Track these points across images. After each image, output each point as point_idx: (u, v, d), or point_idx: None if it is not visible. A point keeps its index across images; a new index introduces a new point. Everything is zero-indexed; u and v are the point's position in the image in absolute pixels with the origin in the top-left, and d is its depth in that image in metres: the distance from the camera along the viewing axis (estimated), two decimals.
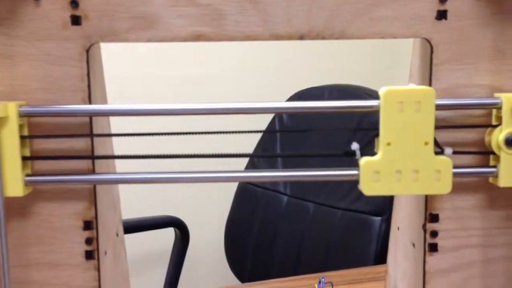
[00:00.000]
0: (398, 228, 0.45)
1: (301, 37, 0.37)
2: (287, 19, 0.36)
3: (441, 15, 0.36)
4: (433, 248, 0.39)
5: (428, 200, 0.38)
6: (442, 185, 0.35)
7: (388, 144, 0.34)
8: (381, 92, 0.34)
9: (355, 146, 0.35)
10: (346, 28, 0.36)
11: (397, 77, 1.42)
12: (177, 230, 1.13)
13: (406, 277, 0.44)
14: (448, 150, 0.35)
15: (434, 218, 0.38)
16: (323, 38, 0.37)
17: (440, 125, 0.37)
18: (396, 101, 0.34)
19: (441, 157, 0.35)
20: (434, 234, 0.38)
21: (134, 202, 1.09)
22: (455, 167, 0.37)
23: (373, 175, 0.35)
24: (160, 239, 1.20)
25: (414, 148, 0.34)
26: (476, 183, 0.38)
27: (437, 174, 0.35)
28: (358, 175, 0.35)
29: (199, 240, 1.28)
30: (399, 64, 1.44)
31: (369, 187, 0.35)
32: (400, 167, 0.34)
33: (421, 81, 0.39)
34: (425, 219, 0.39)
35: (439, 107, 0.36)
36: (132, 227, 1.06)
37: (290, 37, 0.37)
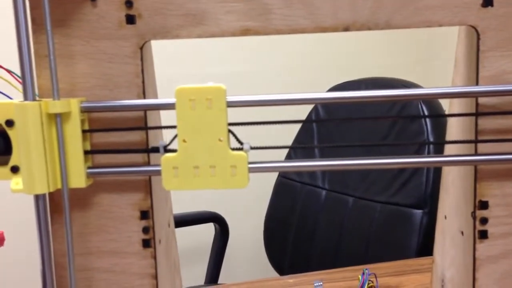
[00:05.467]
0: (445, 217, 0.46)
1: (346, 29, 0.37)
2: (332, 12, 0.37)
3: (487, 2, 0.36)
4: (483, 235, 0.39)
5: (477, 187, 0.39)
6: (238, 180, 0.35)
7: (184, 141, 0.35)
8: (176, 89, 0.35)
9: (161, 143, 0.36)
10: (391, 18, 0.37)
11: (434, 69, 1.41)
12: (217, 225, 1.16)
13: (454, 265, 0.44)
14: (246, 146, 0.35)
15: (483, 205, 0.38)
16: (369, 28, 0.37)
17: (487, 112, 0.37)
18: (188, 98, 0.34)
19: (236, 153, 0.35)
20: (483, 221, 0.39)
21: (175, 198, 1.12)
22: (503, 153, 0.37)
23: (172, 170, 0.35)
24: (201, 233, 1.22)
25: (209, 145, 0.35)
26: None
27: (233, 169, 0.35)
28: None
29: (239, 234, 1.29)
30: (436, 55, 1.41)
31: (169, 182, 0.35)
32: (197, 163, 0.35)
33: (467, 68, 0.39)
34: (474, 206, 0.39)
35: (485, 94, 0.36)
36: (174, 222, 1.09)
37: (335, 29, 0.38)
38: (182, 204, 1.16)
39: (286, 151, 1.13)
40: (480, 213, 0.39)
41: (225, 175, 0.35)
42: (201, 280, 1.16)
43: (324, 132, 1.11)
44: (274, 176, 1.16)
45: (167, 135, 0.37)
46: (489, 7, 0.36)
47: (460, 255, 0.43)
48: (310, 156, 1.09)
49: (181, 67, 1.29)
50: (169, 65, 1.26)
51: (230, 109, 0.35)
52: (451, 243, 0.45)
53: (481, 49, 0.37)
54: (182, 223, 1.14)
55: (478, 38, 0.37)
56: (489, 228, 0.39)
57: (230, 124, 0.36)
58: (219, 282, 1.14)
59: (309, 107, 1.13)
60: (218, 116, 0.35)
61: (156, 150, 0.36)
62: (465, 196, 0.41)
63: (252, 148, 0.36)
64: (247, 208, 1.34)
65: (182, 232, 1.13)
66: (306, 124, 1.12)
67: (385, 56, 1.43)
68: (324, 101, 0.38)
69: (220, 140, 0.35)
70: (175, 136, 0.35)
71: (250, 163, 0.36)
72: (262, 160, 0.37)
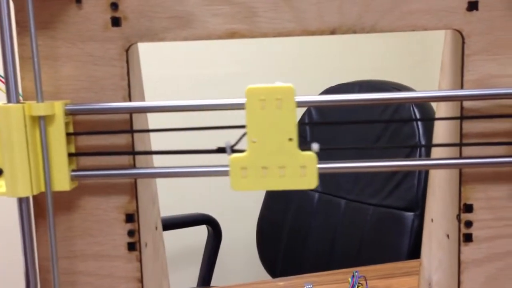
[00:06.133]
0: (432, 220, 0.46)
1: (333, 32, 0.38)
2: (319, 15, 0.37)
3: (472, 6, 0.36)
4: (468, 238, 0.39)
5: (462, 190, 0.39)
6: (308, 180, 0.35)
7: (254, 141, 0.35)
8: (246, 90, 0.34)
9: (227, 144, 0.35)
10: (377, 22, 0.37)
11: (428, 71, 1.41)
12: (209, 228, 1.15)
13: (441, 268, 0.44)
14: (315, 146, 0.35)
15: (468, 208, 0.39)
16: (354, 32, 0.37)
17: (471, 115, 0.37)
18: (258, 99, 0.34)
19: (305, 153, 0.35)
20: (468, 224, 0.39)
21: (167, 201, 1.12)
22: (487, 157, 0.37)
23: (241, 171, 0.35)
24: (193, 236, 1.22)
25: (279, 145, 0.35)
26: (510, 173, 0.38)
27: (303, 170, 0.35)
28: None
29: (232, 237, 1.29)
30: (429, 57, 1.42)
31: (238, 183, 0.35)
32: (266, 163, 0.35)
33: (453, 72, 0.40)
34: (459, 209, 0.39)
35: (470, 98, 0.36)
36: (166, 224, 1.08)
37: (322, 33, 0.38)
38: (175, 206, 1.16)
39: None
40: (465, 216, 0.39)
41: (294, 176, 0.35)
42: (194, 283, 1.16)
43: (317, 133, 1.11)
44: None
45: (232, 135, 0.37)
46: (474, 11, 0.37)
47: (446, 258, 0.43)
48: None
49: (171, 68, 1.29)
50: (158, 67, 1.25)
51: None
52: (437, 246, 0.45)
53: (466, 53, 0.37)
54: (175, 226, 1.14)
55: (463, 42, 0.37)
56: (474, 231, 0.39)
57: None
58: (211, 284, 1.14)
59: (303, 109, 1.13)
60: (288, 116, 0.34)
61: (222, 150, 0.36)
62: (451, 199, 0.41)
63: (322, 149, 0.35)
64: (240, 210, 1.34)
65: (175, 235, 1.13)
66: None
67: (380, 58, 1.43)
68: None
69: (290, 140, 0.35)
70: (243, 135, 0.35)
71: (318, 163, 0.35)
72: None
